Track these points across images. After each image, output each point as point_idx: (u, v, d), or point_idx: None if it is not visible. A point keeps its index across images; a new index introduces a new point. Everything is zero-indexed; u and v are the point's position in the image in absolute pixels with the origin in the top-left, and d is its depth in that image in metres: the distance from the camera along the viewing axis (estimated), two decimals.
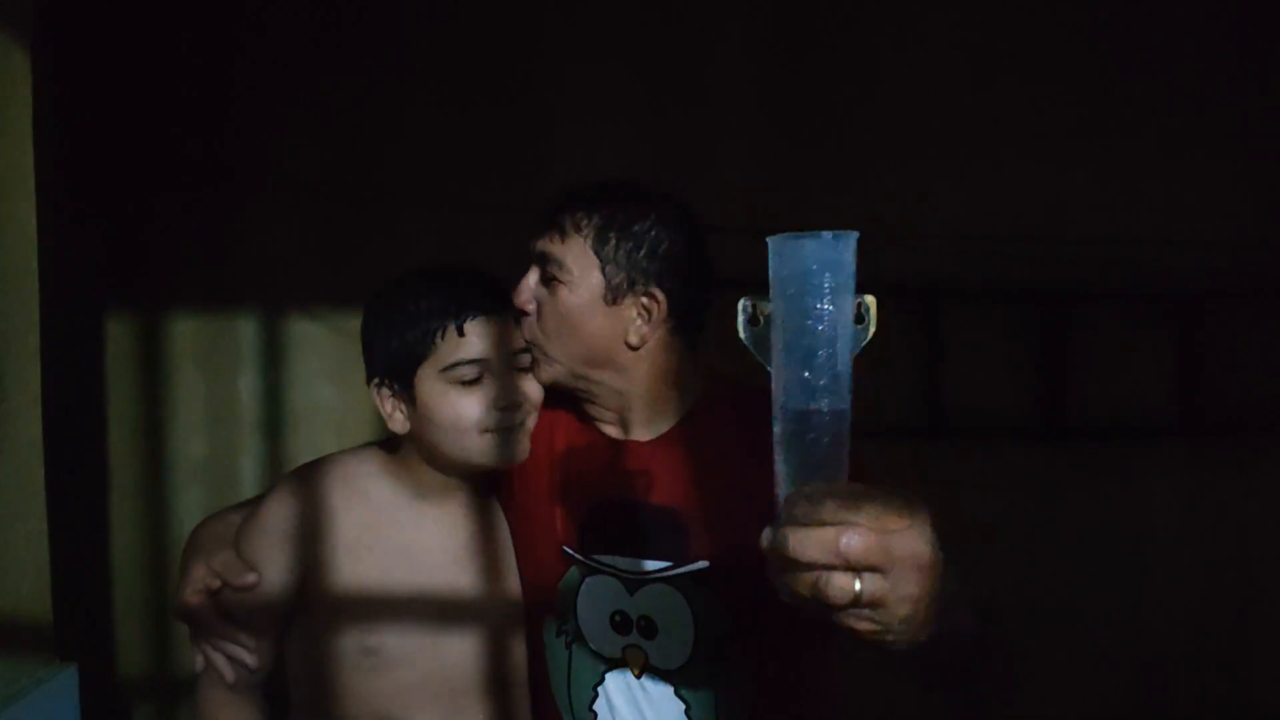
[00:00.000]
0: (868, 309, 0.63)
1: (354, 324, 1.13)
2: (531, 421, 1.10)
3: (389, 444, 1.16)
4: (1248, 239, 2.48)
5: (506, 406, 1.05)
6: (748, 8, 2.42)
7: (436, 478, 1.13)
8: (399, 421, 1.08)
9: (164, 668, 2.26)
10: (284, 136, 2.30)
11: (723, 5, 2.41)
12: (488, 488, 1.18)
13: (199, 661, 1.10)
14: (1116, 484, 2.52)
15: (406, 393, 1.06)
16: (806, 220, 0.69)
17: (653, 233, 1.06)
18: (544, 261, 1.06)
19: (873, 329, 0.63)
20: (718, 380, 1.15)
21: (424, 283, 1.06)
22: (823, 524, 0.60)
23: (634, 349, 1.06)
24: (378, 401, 1.09)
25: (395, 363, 1.06)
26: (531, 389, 1.09)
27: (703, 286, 1.09)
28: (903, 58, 2.44)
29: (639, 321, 1.06)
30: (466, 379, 1.04)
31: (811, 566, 0.60)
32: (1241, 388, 2.53)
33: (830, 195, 2.37)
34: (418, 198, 2.31)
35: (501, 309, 1.07)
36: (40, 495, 1.27)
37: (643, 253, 1.05)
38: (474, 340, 1.04)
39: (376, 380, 1.08)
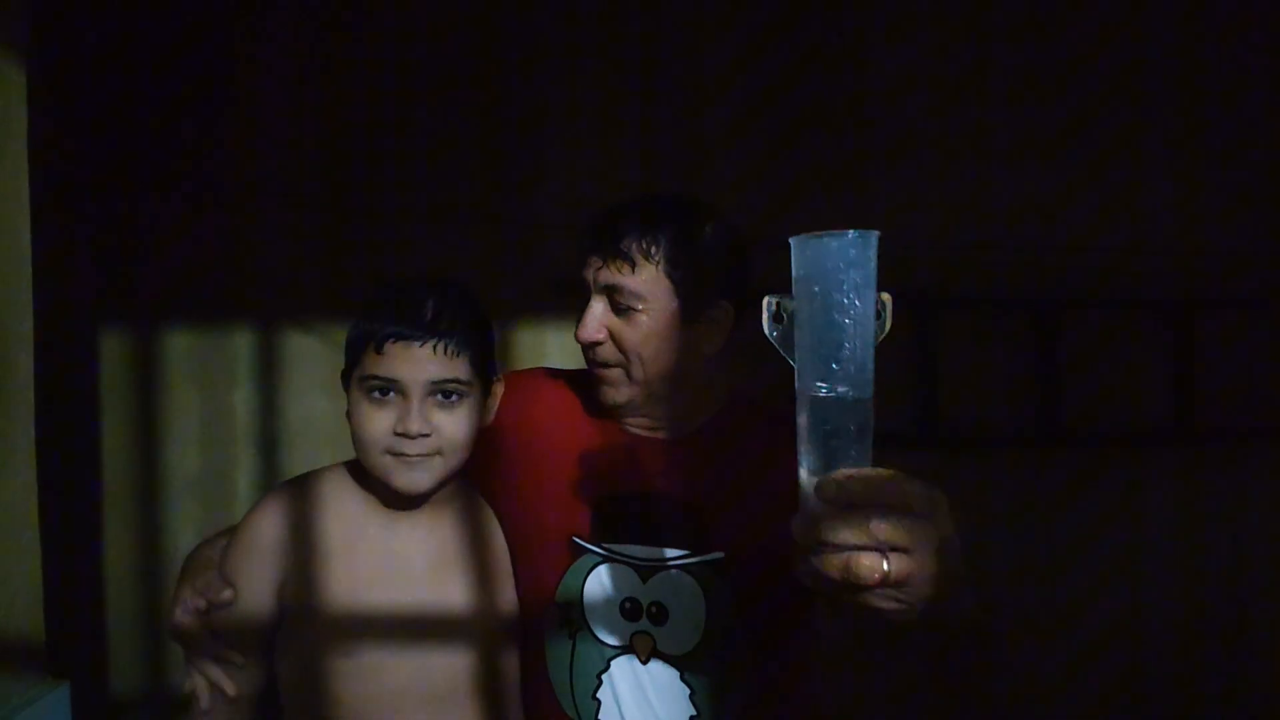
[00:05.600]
0: (884, 305, 0.66)
1: None
2: (440, 463, 1.08)
3: None
4: (1240, 246, 2.49)
5: (404, 434, 1.05)
6: (741, 13, 2.44)
7: None
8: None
9: (157, 685, 2.24)
10: (277, 146, 2.30)
11: (716, 11, 2.43)
12: (472, 492, 1.20)
13: (197, 683, 1.11)
14: (1110, 491, 2.53)
15: (345, 394, 1.12)
16: (798, 226, 0.70)
17: (717, 248, 1.11)
18: (613, 292, 1.08)
19: (889, 324, 0.66)
20: (742, 389, 1.21)
21: (383, 294, 1.10)
22: (853, 506, 0.63)
23: (707, 359, 1.12)
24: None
25: (345, 363, 1.11)
26: (450, 430, 1.07)
27: (747, 290, 1.14)
28: (895, 65, 2.45)
29: (713, 334, 1.12)
30: (375, 394, 1.07)
31: (841, 548, 0.62)
32: (1234, 394, 2.54)
33: (821, 201, 2.38)
34: (411, 206, 2.31)
35: (439, 337, 1.05)
36: (34, 510, 1.27)
37: (712, 270, 1.10)
38: (389, 360, 1.05)
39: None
